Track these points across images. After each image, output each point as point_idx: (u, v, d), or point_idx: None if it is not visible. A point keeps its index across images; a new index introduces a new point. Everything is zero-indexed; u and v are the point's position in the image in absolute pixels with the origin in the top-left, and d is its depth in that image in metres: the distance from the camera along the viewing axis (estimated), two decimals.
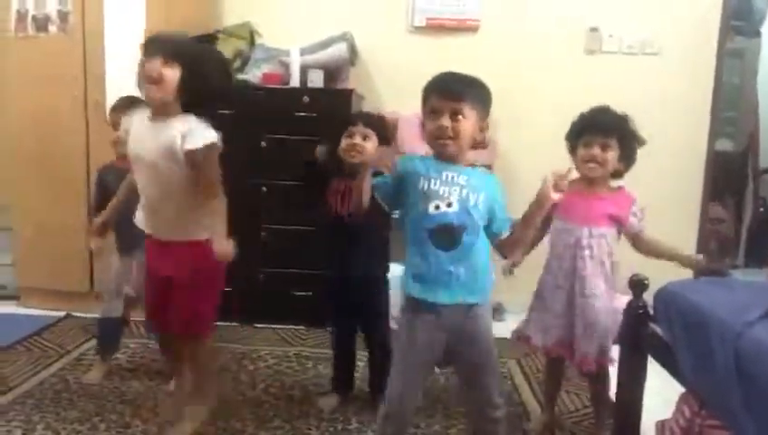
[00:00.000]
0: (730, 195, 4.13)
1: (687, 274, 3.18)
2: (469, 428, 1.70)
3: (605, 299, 1.84)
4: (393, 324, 2.79)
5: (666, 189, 3.12)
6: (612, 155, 1.82)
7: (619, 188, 1.90)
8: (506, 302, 3.14)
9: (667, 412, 1.55)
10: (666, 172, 3.11)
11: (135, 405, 2.12)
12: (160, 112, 1.78)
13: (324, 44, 3.00)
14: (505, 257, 1.71)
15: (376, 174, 1.62)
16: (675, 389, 1.49)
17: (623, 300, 1.72)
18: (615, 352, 1.76)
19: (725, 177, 3.84)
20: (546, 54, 3.17)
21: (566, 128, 1.94)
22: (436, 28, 3.20)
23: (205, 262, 1.79)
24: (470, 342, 1.55)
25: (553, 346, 1.90)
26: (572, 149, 1.89)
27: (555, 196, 1.45)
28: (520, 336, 1.98)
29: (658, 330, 1.51)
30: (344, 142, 2.02)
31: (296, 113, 2.81)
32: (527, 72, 3.16)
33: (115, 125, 2.17)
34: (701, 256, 1.75)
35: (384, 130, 2.07)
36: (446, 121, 1.46)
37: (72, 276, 2.96)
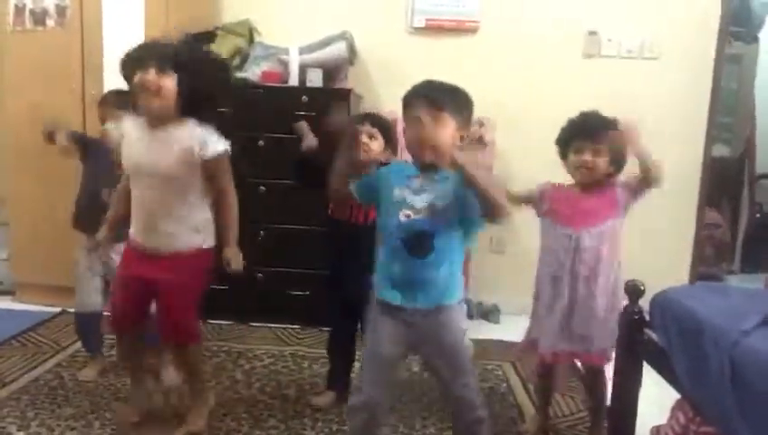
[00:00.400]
0: (726, 200, 4.15)
1: (683, 279, 3.22)
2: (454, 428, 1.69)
3: (605, 300, 1.83)
4: None
5: (662, 194, 3.10)
6: (603, 160, 1.83)
7: (604, 186, 1.88)
8: (502, 303, 3.16)
9: (661, 418, 1.56)
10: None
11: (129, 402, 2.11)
12: (158, 120, 1.76)
13: (323, 43, 3.00)
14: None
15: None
16: (670, 395, 1.50)
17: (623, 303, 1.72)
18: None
19: (722, 182, 3.86)
20: (545, 57, 3.18)
21: (560, 128, 1.94)
22: (436, 29, 3.20)
23: (194, 267, 1.82)
24: (438, 340, 1.54)
25: (558, 355, 1.89)
26: (563, 155, 1.90)
27: None
28: (526, 348, 1.98)
29: (654, 336, 1.52)
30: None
31: (295, 112, 2.81)
32: (526, 75, 3.17)
33: (103, 119, 2.17)
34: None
35: (390, 130, 2.07)
36: (426, 131, 1.46)
37: (68, 272, 2.92)
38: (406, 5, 3.21)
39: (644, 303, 1.60)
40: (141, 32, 2.88)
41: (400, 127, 1.63)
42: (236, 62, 3.00)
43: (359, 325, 2.19)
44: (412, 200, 1.51)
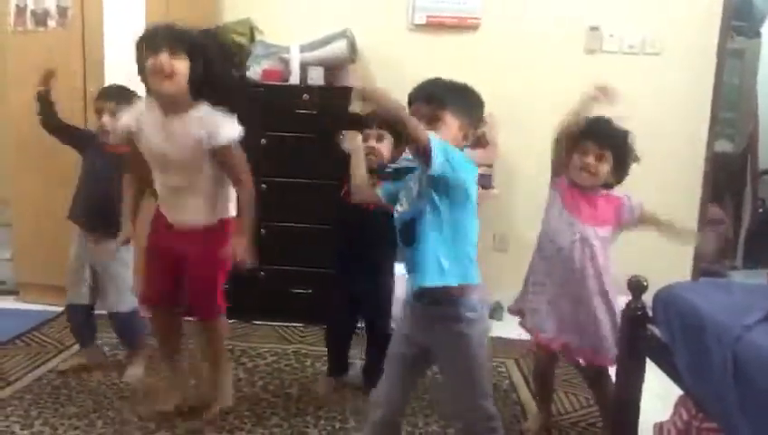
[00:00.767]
0: (729, 196, 4.13)
1: (685, 275, 3.21)
2: None
3: (606, 298, 1.83)
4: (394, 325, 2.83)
5: (665, 190, 3.11)
6: (606, 167, 1.82)
7: (609, 196, 1.90)
8: (505, 301, 3.14)
9: (665, 414, 1.56)
10: (665, 173, 3.11)
11: (133, 402, 2.11)
12: (172, 105, 1.78)
13: (324, 42, 3.00)
14: None
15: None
16: (673, 391, 1.49)
17: (621, 300, 1.72)
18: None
19: (725, 178, 3.84)
20: (546, 53, 3.17)
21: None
22: (437, 26, 3.19)
23: (220, 237, 1.87)
24: (452, 347, 1.49)
25: (553, 341, 1.88)
26: (568, 150, 1.88)
27: None
28: (513, 310, 1.99)
29: (657, 332, 1.51)
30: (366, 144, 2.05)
31: (296, 111, 2.81)
32: (527, 71, 3.16)
33: (100, 112, 2.17)
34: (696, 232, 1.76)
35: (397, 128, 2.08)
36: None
37: None
38: (407, 3, 3.20)
39: (647, 298, 1.59)
40: (142, 31, 2.88)
41: None
42: (237, 60, 3.00)
43: (359, 322, 2.23)
44: (403, 195, 1.52)
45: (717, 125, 3.25)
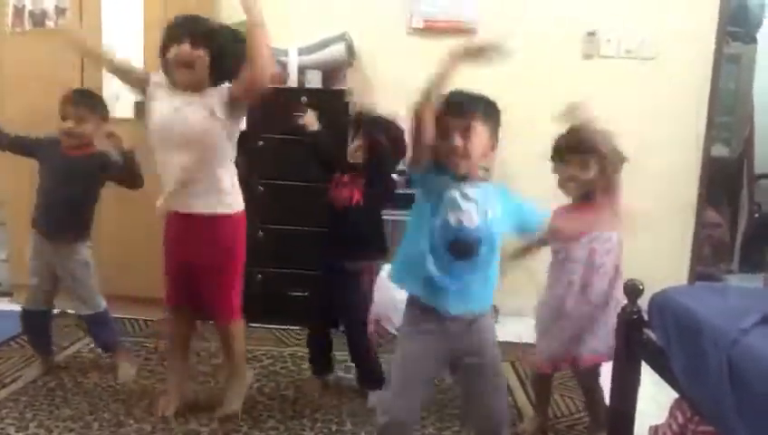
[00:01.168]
0: (725, 200, 4.14)
1: (682, 279, 3.21)
2: None
3: (614, 302, 1.84)
4: (388, 326, 2.84)
5: (661, 194, 3.13)
6: (590, 174, 1.82)
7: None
8: (500, 305, 3.15)
9: (660, 417, 1.56)
10: (662, 177, 3.12)
11: (128, 404, 2.11)
12: (187, 89, 1.83)
13: (322, 45, 3.00)
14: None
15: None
16: (669, 394, 1.50)
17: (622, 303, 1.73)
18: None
19: (721, 182, 3.86)
20: (544, 58, 3.18)
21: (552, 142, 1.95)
22: (435, 30, 3.19)
23: (231, 239, 1.92)
24: (476, 351, 1.54)
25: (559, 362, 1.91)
26: (557, 168, 1.90)
27: None
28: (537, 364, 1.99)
29: (653, 335, 1.52)
30: (355, 145, 2.14)
31: (294, 113, 2.80)
32: (525, 76, 3.16)
33: (65, 117, 2.16)
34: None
35: (393, 133, 2.13)
36: (458, 142, 1.45)
37: None
38: (404, 7, 3.21)
39: (643, 302, 1.60)
40: (141, 33, 2.88)
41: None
42: None
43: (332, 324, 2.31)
44: (466, 206, 1.47)
45: (714, 129, 3.26)
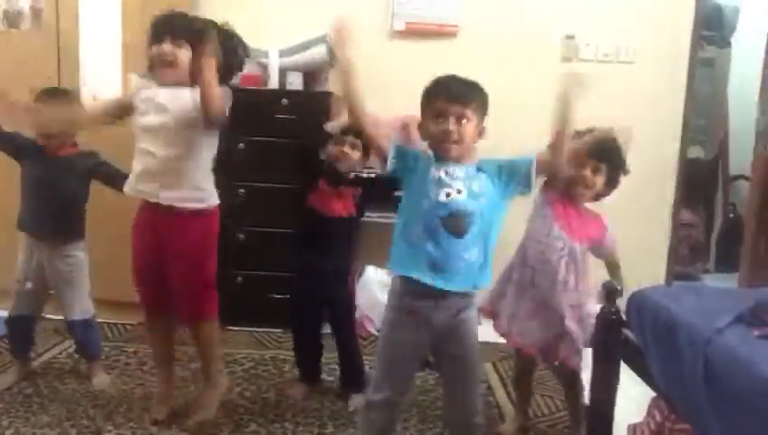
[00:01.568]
0: (701, 201, 4.22)
1: (659, 279, 3.26)
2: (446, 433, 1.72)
3: (582, 305, 1.87)
4: (370, 327, 2.85)
5: (638, 195, 3.17)
6: (601, 179, 1.86)
7: (597, 214, 1.95)
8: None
9: (639, 416, 1.59)
10: (638, 178, 3.14)
11: (107, 410, 2.08)
12: (172, 86, 1.82)
13: (303, 47, 3.00)
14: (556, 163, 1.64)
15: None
16: (647, 393, 1.52)
17: (596, 306, 1.75)
18: (588, 355, 1.79)
19: (697, 183, 3.93)
20: (523, 61, 3.21)
21: (542, 133, 1.95)
22: (416, 32, 3.21)
23: (207, 232, 1.90)
24: (458, 339, 1.57)
25: (529, 347, 1.91)
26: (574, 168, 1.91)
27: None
28: (483, 310, 1.97)
29: (631, 335, 1.54)
30: (334, 149, 2.13)
31: (275, 116, 2.80)
32: (505, 78, 3.17)
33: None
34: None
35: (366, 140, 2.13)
36: (452, 126, 1.49)
37: None
38: (386, 9, 3.21)
39: (621, 303, 1.62)
40: (118, 34, 2.85)
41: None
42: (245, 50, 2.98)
43: (322, 324, 2.29)
44: (452, 183, 1.51)
45: (689, 132, 3.32)
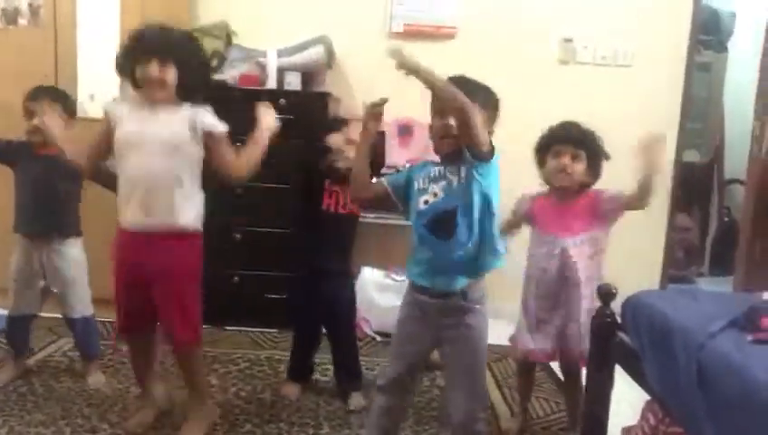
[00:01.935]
0: (696, 204, 4.24)
1: (654, 282, 3.28)
2: None
3: (591, 303, 1.87)
4: (366, 328, 2.85)
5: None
6: (581, 167, 1.86)
7: (585, 195, 1.92)
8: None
9: (633, 419, 1.59)
10: (634, 181, 3.17)
11: (102, 408, 2.08)
12: (158, 103, 1.81)
13: (302, 47, 3.00)
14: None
15: None
16: (641, 396, 1.53)
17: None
18: None
19: (692, 187, 3.94)
20: (521, 63, 3.21)
21: (539, 136, 1.97)
22: (414, 34, 3.21)
23: (193, 256, 1.87)
24: (462, 342, 1.58)
25: (539, 354, 1.93)
26: (541, 162, 1.93)
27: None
28: (513, 342, 2.02)
29: (626, 338, 1.54)
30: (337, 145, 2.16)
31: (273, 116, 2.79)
32: (502, 80, 3.14)
33: (31, 114, 2.12)
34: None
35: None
36: (450, 120, 1.50)
37: None
38: (384, 10, 3.22)
39: (616, 306, 1.63)
40: (117, 31, 2.85)
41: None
42: (213, 64, 2.98)
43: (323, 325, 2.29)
44: (430, 187, 1.55)
45: (685, 135, 3.33)
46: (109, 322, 2.78)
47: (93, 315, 2.29)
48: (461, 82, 1.55)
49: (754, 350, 1.17)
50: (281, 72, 2.91)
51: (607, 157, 1.92)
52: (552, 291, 1.89)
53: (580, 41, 3.22)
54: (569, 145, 1.86)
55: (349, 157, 2.10)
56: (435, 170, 1.57)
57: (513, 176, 2.04)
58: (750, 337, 1.21)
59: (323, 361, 2.42)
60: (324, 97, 2.89)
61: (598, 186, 1.94)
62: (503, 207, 1.62)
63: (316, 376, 2.40)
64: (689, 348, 1.23)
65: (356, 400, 2.17)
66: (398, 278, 2.79)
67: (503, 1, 3.23)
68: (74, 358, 2.42)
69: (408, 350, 1.64)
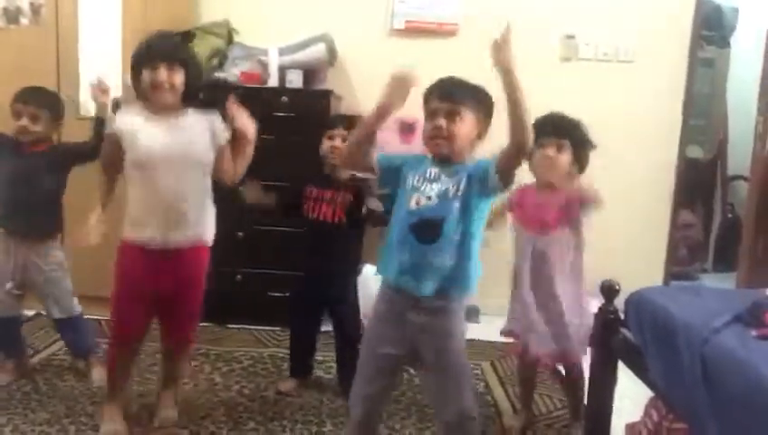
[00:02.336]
0: (700, 201, 4.23)
1: (657, 279, 3.27)
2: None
3: (570, 298, 1.86)
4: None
5: (637, 194, 3.19)
6: (566, 158, 1.85)
7: (567, 189, 1.90)
8: (481, 305, 3.18)
9: (636, 415, 1.59)
10: (637, 178, 3.17)
11: None
12: (165, 111, 1.83)
13: (303, 45, 3.00)
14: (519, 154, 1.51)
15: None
16: (645, 392, 1.53)
17: (593, 303, 1.75)
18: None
19: (695, 183, 3.93)
20: (523, 60, 3.15)
21: None
22: (416, 31, 3.21)
23: (203, 266, 1.92)
24: (437, 337, 1.54)
25: (544, 356, 1.91)
26: (529, 155, 1.91)
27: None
28: (505, 333, 2.00)
29: (629, 335, 1.54)
30: (325, 145, 2.15)
31: (275, 113, 2.80)
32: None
33: (19, 115, 2.11)
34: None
35: None
36: (441, 122, 1.50)
37: None
38: (386, 7, 3.21)
39: (619, 302, 1.62)
40: (118, 31, 2.85)
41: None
42: (215, 62, 2.98)
43: (321, 324, 2.31)
44: (425, 188, 1.52)
45: (688, 132, 3.32)
46: (105, 320, 2.79)
47: (81, 314, 2.28)
48: (454, 84, 1.54)
49: (758, 345, 1.17)
50: (282, 70, 2.91)
51: (592, 146, 1.90)
52: (527, 286, 1.88)
53: (582, 37, 3.21)
54: (552, 136, 1.84)
55: (335, 162, 2.12)
56: (431, 171, 1.54)
57: (517, 175, 2.05)
58: (754, 333, 1.21)
59: (327, 358, 2.43)
60: (326, 95, 2.88)
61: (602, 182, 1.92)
62: None
63: (320, 373, 2.40)
64: (693, 344, 1.23)
65: None
66: None
67: None
68: (78, 356, 2.42)
69: (371, 364, 1.59)
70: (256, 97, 2.83)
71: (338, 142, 2.13)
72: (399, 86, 1.50)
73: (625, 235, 3.12)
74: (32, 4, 2.84)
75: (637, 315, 1.49)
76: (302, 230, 2.26)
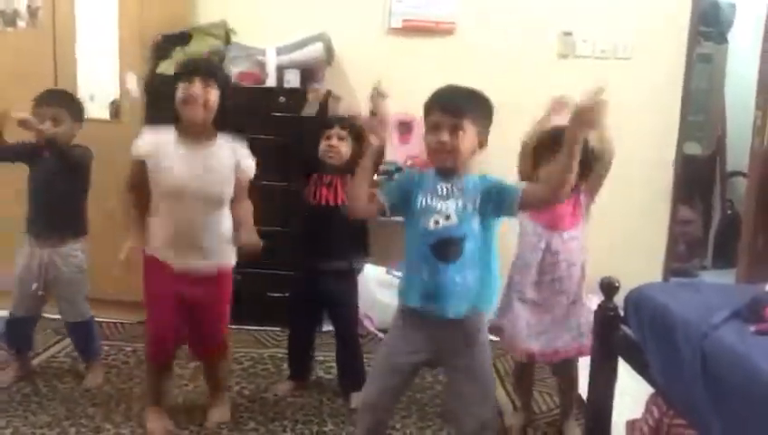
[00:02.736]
0: (699, 197, 4.22)
1: (657, 275, 3.27)
2: None
3: (577, 297, 1.88)
4: (368, 325, 2.85)
5: (636, 191, 3.19)
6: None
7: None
8: None
9: (637, 412, 1.59)
10: (636, 174, 3.17)
11: (107, 408, 2.09)
12: (197, 135, 1.83)
13: (300, 44, 2.99)
14: (553, 199, 1.53)
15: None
16: (645, 389, 1.52)
17: (593, 300, 1.75)
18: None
19: (694, 179, 3.93)
20: (520, 57, 3.21)
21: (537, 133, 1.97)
22: (413, 30, 3.21)
23: (226, 284, 1.96)
24: (466, 353, 1.55)
25: (543, 353, 1.92)
26: (534, 161, 1.90)
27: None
28: (493, 328, 1.98)
29: (629, 331, 1.54)
30: (322, 144, 2.14)
31: (272, 113, 2.80)
32: (501, 75, 3.18)
33: (41, 119, 2.10)
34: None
35: (358, 130, 2.12)
36: (445, 137, 1.48)
37: None
38: (383, 6, 3.21)
39: (619, 299, 1.62)
40: (115, 33, 2.85)
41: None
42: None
43: (320, 325, 2.33)
44: (441, 206, 1.50)
45: (687, 128, 3.32)
46: (113, 322, 2.80)
47: (92, 318, 2.29)
48: (455, 95, 1.52)
49: (758, 341, 1.16)
50: (280, 69, 2.90)
51: (596, 159, 1.87)
52: (539, 285, 1.89)
53: (579, 34, 3.21)
54: (556, 146, 1.82)
55: (332, 161, 2.12)
56: (441, 187, 1.52)
57: (512, 171, 2.05)
58: (753, 328, 1.21)
59: (327, 358, 2.43)
60: (324, 94, 2.88)
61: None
62: None
63: (320, 373, 2.40)
64: (692, 340, 1.23)
65: (357, 398, 2.16)
66: (399, 274, 2.79)
67: None
68: (78, 359, 2.42)
69: (385, 373, 1.59)
70: (254, 97, 2.83)
71: (334, 141, 2.12)
72: (377, 130, 1.54)
73: (624, 232, 3.12)
74: (29, 7, 2.84)
75: (636, 312, 1.49)
76: (301, 222, 2.25)
